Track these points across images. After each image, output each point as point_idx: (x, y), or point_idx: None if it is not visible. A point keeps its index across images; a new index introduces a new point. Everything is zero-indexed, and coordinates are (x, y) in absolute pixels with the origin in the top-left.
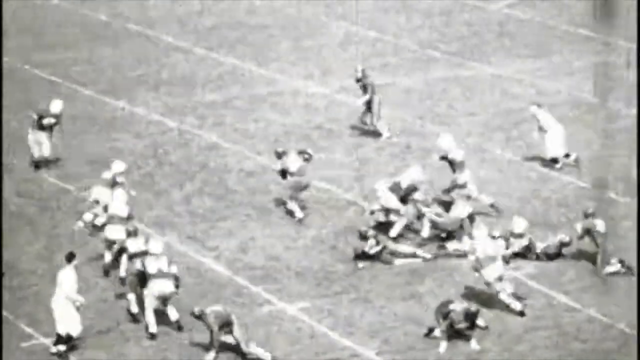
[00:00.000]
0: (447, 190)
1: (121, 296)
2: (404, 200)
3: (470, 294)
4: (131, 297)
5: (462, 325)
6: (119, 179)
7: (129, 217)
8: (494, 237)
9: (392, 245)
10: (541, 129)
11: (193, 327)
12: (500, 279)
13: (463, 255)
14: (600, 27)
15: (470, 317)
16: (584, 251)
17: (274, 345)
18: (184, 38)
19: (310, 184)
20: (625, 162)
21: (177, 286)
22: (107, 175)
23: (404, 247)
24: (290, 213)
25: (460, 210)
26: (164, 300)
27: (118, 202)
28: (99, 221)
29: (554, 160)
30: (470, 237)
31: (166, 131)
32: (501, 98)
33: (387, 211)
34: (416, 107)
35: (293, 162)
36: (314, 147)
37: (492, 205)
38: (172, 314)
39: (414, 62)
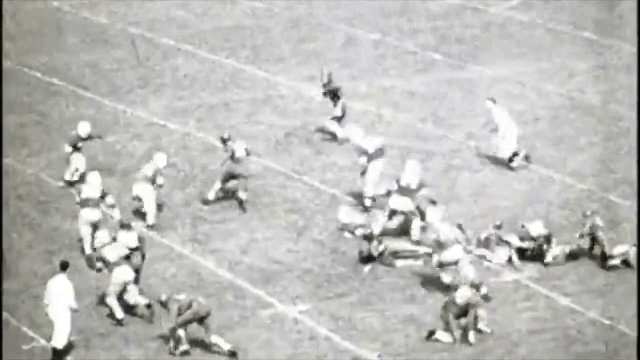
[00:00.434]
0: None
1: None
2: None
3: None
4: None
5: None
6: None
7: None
8: (460, 227)
9: (393, 245)
10: (493, 126)
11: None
12: (458, 263)
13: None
14: (602, 29)
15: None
16: (585, 250)
17: (275, 348)
18: (185, 41)
19: (246, 177)
20: (626, 164)
21: (143, 256)
22: (148, 171)
23: (405, 244)
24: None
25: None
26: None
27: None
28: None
29: (510, 160)
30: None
31: (167, 134)
32: (502, 100)
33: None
34: (417, 110)
35: (239, 149)
36: (315, 150)
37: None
38: (131, 297)
39: (415, 65)
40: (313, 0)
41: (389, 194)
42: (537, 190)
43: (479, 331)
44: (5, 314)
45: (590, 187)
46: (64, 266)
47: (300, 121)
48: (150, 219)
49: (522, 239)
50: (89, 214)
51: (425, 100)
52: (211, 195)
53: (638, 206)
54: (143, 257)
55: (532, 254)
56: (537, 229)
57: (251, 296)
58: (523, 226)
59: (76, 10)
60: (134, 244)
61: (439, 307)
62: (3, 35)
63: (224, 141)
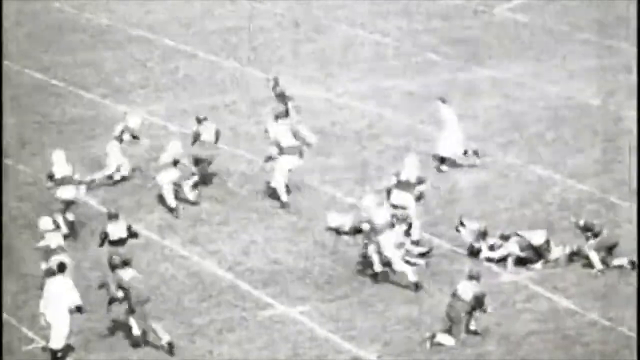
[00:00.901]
0: None
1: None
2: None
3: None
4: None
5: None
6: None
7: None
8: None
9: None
10: (441, 124)
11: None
12: (396, 247)
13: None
14: (601, 30)
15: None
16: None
17: (275, 349)
18: (186, 42)
19: (210, 162)
20: (626, 165)
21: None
22: (166, 158)
23: (403, 266)
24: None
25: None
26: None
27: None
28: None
29: (443, 160)
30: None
31: (167, 135)
32: (502, 101)
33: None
34: (417, 111)
35: (208, 132)
36: (315, 150)
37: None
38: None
39: (415, 66)
40: (313, 1)
41: (388, 192)
42: (537, 191)
43: (471, 332)
44: (5, 315)
45: (590, 188)
46: (61, 268)
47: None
48: (192, 195)
49: (522, 249)
50: (64, 192)
51: (425, 101)
52: (190, 195)
53: (638, 207)
54: (134, 234)
55: (532, 261)
56: (538, 238)
57: (251, 297)
58: (518, 234)
59: (77, 10)
60: (123, 234)
61: (439, 308)
62: (4, 36)
63: (199, 121)
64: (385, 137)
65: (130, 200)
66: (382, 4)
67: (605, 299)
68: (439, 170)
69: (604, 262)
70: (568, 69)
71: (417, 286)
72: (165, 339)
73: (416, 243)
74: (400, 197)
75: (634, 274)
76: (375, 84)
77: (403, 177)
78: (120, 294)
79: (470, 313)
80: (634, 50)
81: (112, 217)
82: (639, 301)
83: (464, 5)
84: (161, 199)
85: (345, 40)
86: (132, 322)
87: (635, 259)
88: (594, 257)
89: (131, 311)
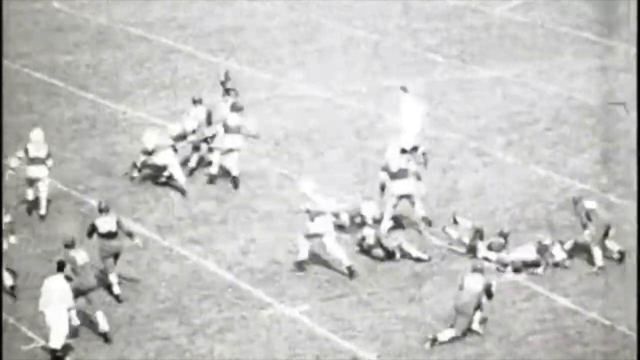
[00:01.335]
0: None
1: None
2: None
3: None
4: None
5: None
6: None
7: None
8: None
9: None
10: (402, 118)
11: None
12: (324, 236)
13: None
14: (602, 30)
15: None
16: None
17: (275, 349)
18: (185, 42)
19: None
20: (626, 165)
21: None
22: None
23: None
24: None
25: None
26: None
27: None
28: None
29: (404, 152)
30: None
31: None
32: (502, 101)
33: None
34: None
35: (230, 115)
36: (315, 151)
37: None
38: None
39: (415, 66)
40: (313, 1)
41: (382, 187)
42: (537, 190)
43: (472, 331)
44: (5, 315)
45: (591, 187)
46: (60, 266)
47: (299, 122)
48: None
49: (516, 270)
50: (34, 171)
51: (425, 101)
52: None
53: (638, 207)
54: (130, 234)
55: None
56: (529, 254)
57: (251, 297)
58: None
59: (76, 10)
60: (113, 227)
61: (439, 307)
62: (4, 36)
63: (195, 102)
64: (384, 137)
65: (129, 200)
66: (382, 4)
67: (605, 299)
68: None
69: (603, 248)
70: (568, 69)
71: (350, 272)
72: (104, 329)
73: (428, 221)
74: (402, 186)
75: (634, 272)
76: (375, 83)
77: (394, 169)
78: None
79: (477, 307)
80: (634, 50)
81: (103, 210)
82: (639, 299)
83: (464, 5)
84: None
85: (344, 40)
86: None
87: (623, 250)
88: (597, 253)
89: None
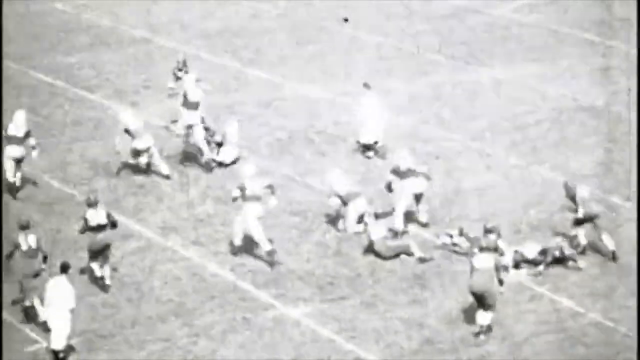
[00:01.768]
0: None
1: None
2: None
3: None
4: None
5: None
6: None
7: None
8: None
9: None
10: (362, 113)
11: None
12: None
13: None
14: (605, 31)
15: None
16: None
17: (278, 350)
18: (188, 43)
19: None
20: (629, 166)
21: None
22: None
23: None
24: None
25: None
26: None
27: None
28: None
29: (367, 147)
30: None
31: (170, 136)
32: (505, 102)
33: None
34: (420, 112)
35: (192, 90)
36: (318, 152)
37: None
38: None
39: (417, 67)
40: (316, 2)
41: (389, 186)
42: (540, 192)
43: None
44: (7, 316)
45: (593, 189)
46: (64, 268)
47: (303, 123)
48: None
49: (516, 264)
50: (12, 151)
51: (428, 102)
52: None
53: (638, 208)
54: (114, 224)
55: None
56: (532, 251)
57: (254, 298)
58: (516, 251)
59: (79, 12)
60: (102, 220)
61: (442, 309)
62: (7, 38)
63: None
64: (387, 138)
65: (132, 201)
66: (385, 5)
67: (607, 300)
68: (367, 157)
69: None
70: (571, 70)
71: (272, 258)
72: (43, 318)
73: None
74: (413, 184)
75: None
76: (377, 85)
77: (404, 168)
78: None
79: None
80: (634, 51)
81: (92, 204)
82: (639, 301)
83: (466, 6)
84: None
85: (347, 41)
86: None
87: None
88: (607, 239)
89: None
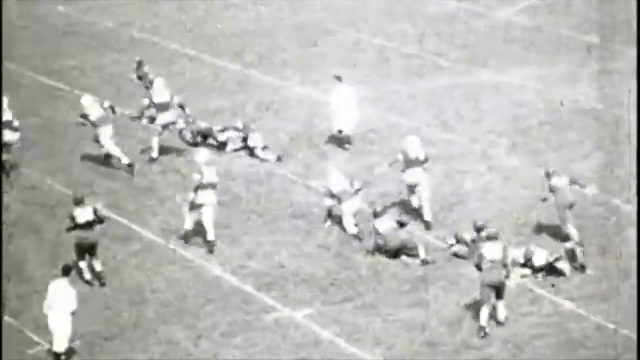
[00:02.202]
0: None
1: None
2: None
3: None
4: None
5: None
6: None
7: None
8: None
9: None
10: (333, 107)
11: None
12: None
13: None
14: (606, 34)
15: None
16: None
17: (280, 353)
18: (190, 45)
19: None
20: (630, 169)
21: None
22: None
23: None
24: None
25: None
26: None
27: None
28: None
29: (341, 140)
30: None
31: (172, 138)
32: (507, 105)
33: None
34: (422, 115)
35: (159, 92)
36: (319, 154)
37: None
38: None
39: (419, 69)
40: (318, 5)
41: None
42: (542, 194)
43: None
44: (9, 319)
45: (595, 191)
46: (66, 271)
47: (305, 126)
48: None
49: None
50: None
51: (430, 105)
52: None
53: (638, 209)
54: (101, 221)
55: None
56: (541, 259)
57: (255, 301)
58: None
59: (81, 14)
60: (90, 217)
61: (443, 311)
62: (9, 40)
63: (139, 77)
64: (389, 140)
65: (133, 204)
66: (387, 8)
67: (609, 303)
68: (344, 149)
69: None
70: (572, 72)
71: (211, 248)
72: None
73: (427, 224)
74: (412, 175)
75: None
76: (380, 87)
77: (412, 156)
78: None
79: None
80: (634, 52)
81: (79, 202)
82: (639, 302)
83: (468, 9)
84: None
85: (349, 44)
86: None
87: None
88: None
89: None
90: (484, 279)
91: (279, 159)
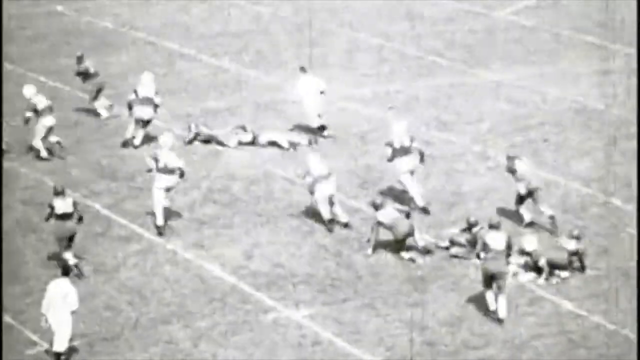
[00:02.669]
0: None
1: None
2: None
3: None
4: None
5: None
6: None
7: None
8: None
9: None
10: (297, 96)
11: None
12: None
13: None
14: (605, 34)
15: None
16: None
17: (279, 353)
18: (189, 45)
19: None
20: (630, 169)
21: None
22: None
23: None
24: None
25: None
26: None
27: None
28: None
29: (320, 129)
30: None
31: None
32: (506, 105)
33: None
34: (421, 114)
35: (146, 88)
36: (319, 154)
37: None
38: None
39: (418, 69)
40: (317, 5)
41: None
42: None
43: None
44: (8, 319)
45: (594, 191)
46: (66, 270)
47: (303, 126)
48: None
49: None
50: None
51: (429, 105)
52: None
53: (638, 210)
54: (80, 219)
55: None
56: (531, 244)
57: (255, 301)
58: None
59: (80, 14)
60: (69, 209)
61: (443, 311)
62: (9, 40)
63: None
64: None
65: (133, 204)
66: (386, 8)
67: (609, 302)
68: (315, 142)
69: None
70: (572, 72)
71: (161, 231)
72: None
73: (424, 210)
74: (404, 163)
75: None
76: (379, 87)
77: (397, 145)
78: None
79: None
80: (634, 51)
81: (59, 193)
82: (639, 302)
83: (467, 9)
84: None
85: (348, 44)
86: None
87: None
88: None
89: None
90: (486, 267)
91: (310, 143)
